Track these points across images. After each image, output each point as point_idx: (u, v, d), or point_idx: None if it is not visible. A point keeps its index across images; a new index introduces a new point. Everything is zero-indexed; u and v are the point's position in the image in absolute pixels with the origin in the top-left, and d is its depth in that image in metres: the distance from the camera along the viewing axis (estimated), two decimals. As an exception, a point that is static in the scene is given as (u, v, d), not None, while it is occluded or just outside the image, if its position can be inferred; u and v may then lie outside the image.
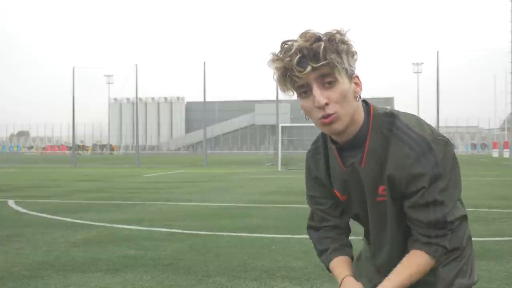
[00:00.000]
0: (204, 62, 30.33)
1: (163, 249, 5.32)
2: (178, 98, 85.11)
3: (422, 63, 65.65)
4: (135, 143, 40.35)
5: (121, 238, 5.95)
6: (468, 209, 7.39)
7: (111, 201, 9.94)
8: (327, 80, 1.34)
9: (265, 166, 27.16)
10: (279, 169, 22.44)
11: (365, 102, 1.47)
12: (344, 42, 1.34)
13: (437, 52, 28.43)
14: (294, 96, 1.40)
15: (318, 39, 1.32)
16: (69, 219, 7.45)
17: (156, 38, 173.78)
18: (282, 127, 27.08)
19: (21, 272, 4.46)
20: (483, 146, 68.03)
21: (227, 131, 77.46)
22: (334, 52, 1.31)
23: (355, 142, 1.44)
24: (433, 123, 39.46)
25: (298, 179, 16.63)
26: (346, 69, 1.35)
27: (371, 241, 1.62)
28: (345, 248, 1.63)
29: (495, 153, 45.45)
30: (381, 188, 1.45)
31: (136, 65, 31.54)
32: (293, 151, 46.35)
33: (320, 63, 1.30)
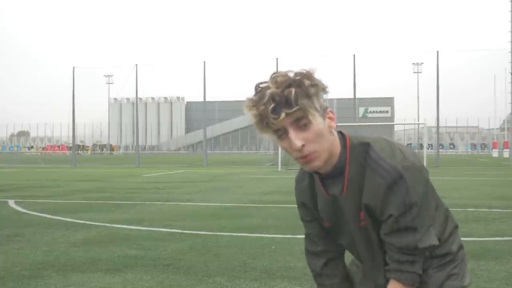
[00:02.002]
0: (204, 62, 30.33)
1: (163, 249, 5.32)
2: (178, 98, 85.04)
3: (422, 63, 65.63)
4: (135, 143, 40.33)
5: (121, 238, 5.95)
6: (468, 209, 7.35)
7: (111, 201, 9.94)
8: (302, 122, 1.41)
9: (265, 166, 27.16)
10: (279, 169, 22.44)
11: (340, 133, 1.55)
12: (313, 85, 1.38)
13: (437, 52, 28.35)
14: (272, 137, 1.46)
15: (288, 85, 1.37)
16: (69, 219, 7.45)
17: (156, 38, 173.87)
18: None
19: (21, 272, 4.45)
20: (483, 146, 68.03)
21: (227, 131, 77.46)
22: (305, 96, 1.37)
23: (335, 172, 1.52)
24: (433, 123, 39.44)
25: (298, 179, 16.60)
26: (318, 109, 1.41)
27: (365, 267, 1.69)
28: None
29: (495, 153, 45.47)
30: (362, 213, 1.52)
31: (136, 65, 31.53)
32: (293, 151, 46.27)
33: (293, 109, 1.37)
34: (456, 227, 1.66)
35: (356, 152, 1.50)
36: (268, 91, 1.37)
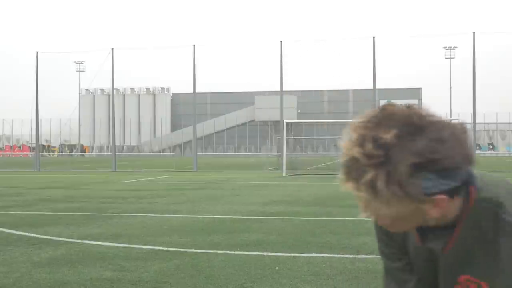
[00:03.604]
0: (194, 46, 30.36)
1: (144, 270, 5.33)
2: (162, 89, 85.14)
3: (455, 47, 65.74)
4: (110, 143, 40.38)
5: (94, 257, 5.96)
6: None
7: (82, 213, 9.94)
8: None
9: (267, 170, 27.18)
10: (284, 174, 22.45)
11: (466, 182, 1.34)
12: (420, 166, 1.15)
13: (473, 33, 28.30)
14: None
15: (380, 163, 1.14)
16: (32, 234, 7.46)
17: (136, 17, 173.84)
18: (287, 123, 27.09)
19: (-26, 297, 4.46)
20: (529, 146, 68.04)
21: (222, 129, 77.54)
22: (396, 184, 1.16)
23: (440, 229, 1.42)
24: (468, 119, 39.43)
25: (307, 186, 16.63)
26: (396, 202, 1.21)
27: None
28: None
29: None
30: (462, 277, 1.46)
31: (112, 49, 31.55)
32: (300, 153, 46.29)
33: (356, 193, 1.21)
34: None
35: (479, 211, 1.39)
36: (347, 146, 1.19)
